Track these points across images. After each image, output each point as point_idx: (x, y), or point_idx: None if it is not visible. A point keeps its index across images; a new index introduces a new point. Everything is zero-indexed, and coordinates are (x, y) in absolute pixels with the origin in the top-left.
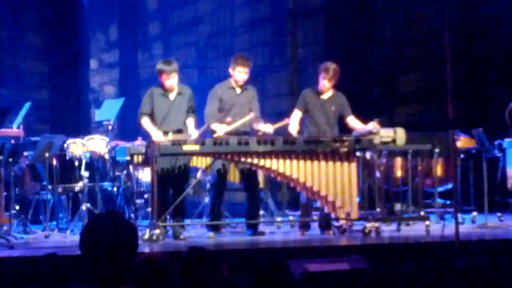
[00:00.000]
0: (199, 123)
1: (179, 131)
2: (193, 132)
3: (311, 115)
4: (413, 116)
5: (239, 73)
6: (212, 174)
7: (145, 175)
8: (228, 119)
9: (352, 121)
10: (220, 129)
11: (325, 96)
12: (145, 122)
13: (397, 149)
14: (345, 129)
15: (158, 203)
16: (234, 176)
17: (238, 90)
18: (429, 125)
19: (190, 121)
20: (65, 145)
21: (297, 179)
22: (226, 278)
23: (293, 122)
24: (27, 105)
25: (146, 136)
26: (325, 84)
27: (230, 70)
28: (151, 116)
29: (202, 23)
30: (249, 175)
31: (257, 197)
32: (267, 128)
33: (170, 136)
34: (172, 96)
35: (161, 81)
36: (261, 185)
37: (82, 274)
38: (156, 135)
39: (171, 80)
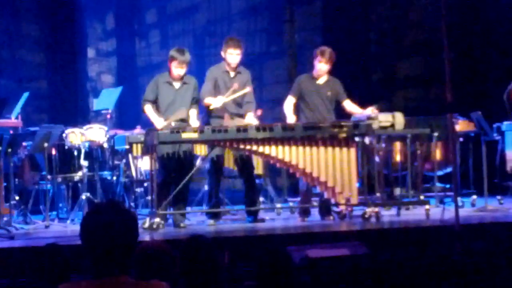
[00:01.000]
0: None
1: (182, 120)
2: (194, 122)
3: (308, 101)
4: (412, 101)
5: (231, 55)
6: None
7: (144, 163)
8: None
9: (348, 104)
10: (216, 101)
11: (321, 81)
12: (148, 109)
13: (396, 134)
14: (341, 114)
15: (158, 190)
16: (232, 162)
17: (232, 74)
18: (428, 109)
19: (193, 112)
20: (64, 135)
21: (297, 165)
22: (227, 265)
23: (288, 110)
24: (25, 95)
25: (145, 124)
26: (322, 68)
27: (222, 53)
28: (155, 103)
29: (199, 10)
30: (243, 162)
31: (254, 182)
32: (251, 120)
33: (173, 124)
34: (177, 85)
35: (169, 67)
36: (261, 171)
37: (83, 263)
38: (159, 123)
39: (181, 70)
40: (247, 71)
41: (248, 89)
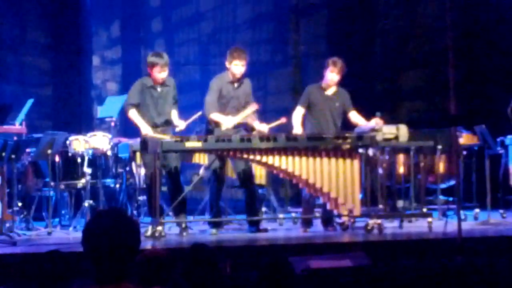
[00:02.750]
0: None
1: (167, 122)
2: (179, 123)
3: (315, 111)
4: (416, 113)
5: (236, 66)
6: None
7: None
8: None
9: (354, 116)
10: (228, 122)
11: (329, 92)
12: (133, 114)
13: (399, 146)
14: (346, 124)
15: (148, 196)
16: (232, 172)
17: (236, 84)
18: (432, 122)
19: (174, 113)
20: (68, 142)
21: (300, 176)
22: (229, 274)
23: (297, 120)
24: (30, 101)
25: None
26: (333, 78)
27: (227, 64)
28: (137, 108)
29: (204, 19)
30: (244, 174)
31: (255, 192)
32: (262, 127)
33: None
34: (159, 88)
35: (151, 74)
36: (263, 181)
37: (84, 271)
38: (145, 128)
39: (164, 74)
40: (248, 80)
41: (256, 106)
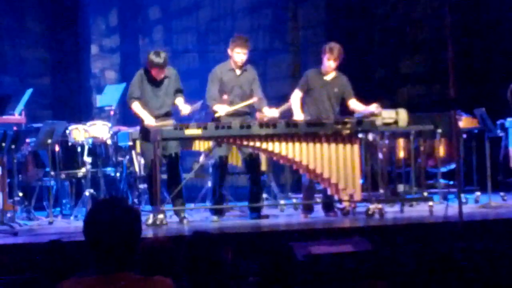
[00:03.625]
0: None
1: (167, 114)
2: (184, 107)
3: (313, 96)
4: (415, 97)
5: (238, 54)
6: (214, 157)
7: None
8: (225, 96)
9: (354, 104)
10: (221, 110)
11: (328, 77)
12: (136, 106)
13: (399, 130)
14: (346, 112)
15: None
16: (236, 159)
17: (238, 72)
18: (431, 105)
19: (180, 100)
20: (67, 131)
21: (300, 162)
22: (230, 261)
23: (296, 105)
24: (29, 91)
25: None
26: (331, 65)
27: (229, 51)
28: (139, 100)
29: (202, 7)
30: (251, 159)
31: (259, 180)
32: (272, 112)
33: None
34: (160, 81)
35: (150, 71)
36: (264, 168)
37: (86, 260)
38: (148, 119)
39: (161, 74)
40: (253, 69)
41: (255, 99)
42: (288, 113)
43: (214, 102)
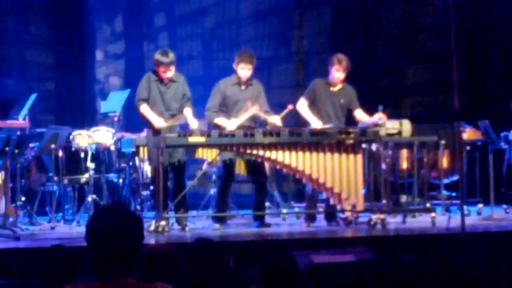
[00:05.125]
0: (199, 113)
1: (173, 117)
2: (193, 122)
3: (319, 106)
4: (419, 108)
5: (242, 70)
6: (219, 166)
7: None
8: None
9: (360, 114)
10: (230, 125)
11: (336, 88)
12: (145, 109)
13: (403, 141)
14: (351, 122)
15: (160, 194)
16: (240, 167)
17: (243, 86)
18: (435, 116)
19: (188, 111)
20: (71, 137)
21: (303, 171)
22: (232, 269)
23: (308, 113)
24: (33, 96)
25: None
26: (339, 76)
27: (234, 66)
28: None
29: (207, 14)
30: (256, 168)
31: (265, 189)
32: (275, 119)
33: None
34: (167, 83)
35: (157, 71)
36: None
37: (88, 265)
38: (158, 121)
39: (169, 73)
40: (259, 83)
41: (256, 108)
42: (289, 118)
43: (213, 114)
